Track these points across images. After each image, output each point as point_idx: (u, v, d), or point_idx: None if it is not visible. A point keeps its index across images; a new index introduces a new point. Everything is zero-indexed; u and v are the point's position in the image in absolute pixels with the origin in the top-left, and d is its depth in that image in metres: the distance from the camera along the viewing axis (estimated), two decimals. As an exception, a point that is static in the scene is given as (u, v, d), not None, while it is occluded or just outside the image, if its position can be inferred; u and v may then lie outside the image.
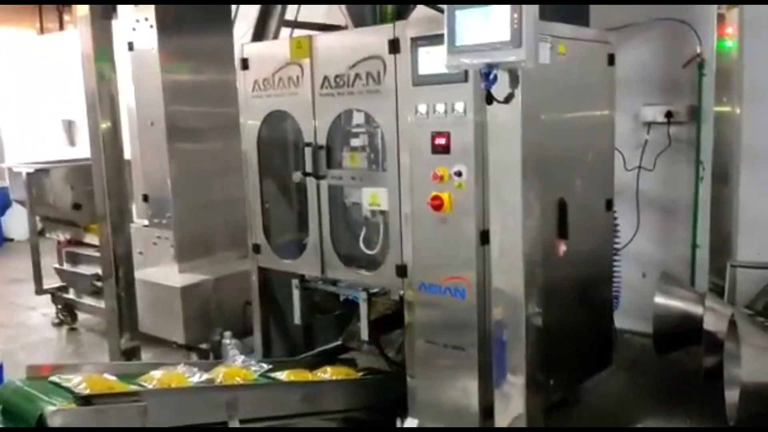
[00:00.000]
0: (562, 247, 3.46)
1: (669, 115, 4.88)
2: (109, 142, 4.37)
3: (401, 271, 3.50)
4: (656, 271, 4.58)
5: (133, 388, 3.10)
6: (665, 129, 4.91)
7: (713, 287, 4.50)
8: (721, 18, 4.42)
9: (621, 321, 4.67)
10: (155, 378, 3.25)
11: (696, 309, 4.10)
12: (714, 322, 3.87)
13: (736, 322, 3.55)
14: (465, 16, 2.45)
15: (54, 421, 2.63)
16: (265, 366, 3.68)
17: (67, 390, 2.92)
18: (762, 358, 3.41)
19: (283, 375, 3.64)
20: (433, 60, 3.15)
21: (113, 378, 3.20)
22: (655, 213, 5.10)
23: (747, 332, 3.51)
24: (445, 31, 2.50)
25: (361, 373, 3.91)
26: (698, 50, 4.73)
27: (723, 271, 4.41)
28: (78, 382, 2.98)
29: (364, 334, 3.78)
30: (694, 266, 4.95)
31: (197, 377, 3.35)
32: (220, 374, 3.48)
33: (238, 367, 3.66)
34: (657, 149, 4.95)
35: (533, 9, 2.34)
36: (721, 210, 4.57)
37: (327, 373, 3.79)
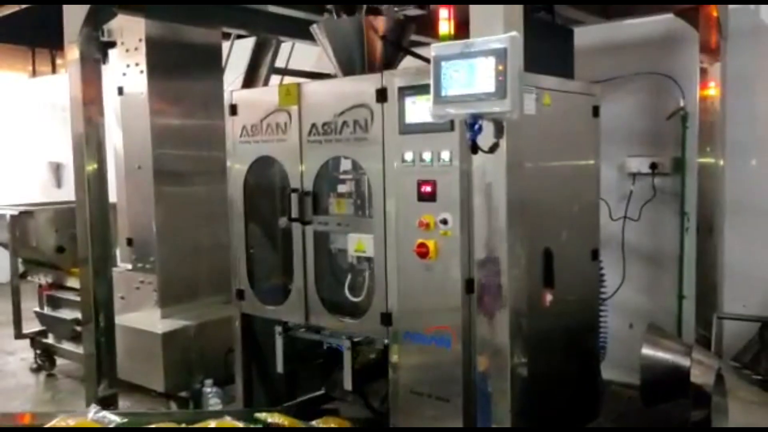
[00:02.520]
0: (548, 297, 3.45)
1: (654, 166, 4.93)
2: (94, 185, 4.34)
3: (386, 319, 3.47)
4: (643, 322, 4.54)
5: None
6: (650, 180, 4.96)
7: (700, 339, 4.48)
8: (703, 72, 4.51)
9: (608, 372, 4.61)
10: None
11: (683, 361, 4.06)
12: (701, 374, 3.82)
13: (723, 376, 3.52)
14: (451, 67, 2.48)
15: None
16: (117, 419, 3.45)
17: None
18: (750, 412, 3.37)
19: None
20: (419, 109, 3.19)
21: None
22: (642, 263, 5.10)
23: (734, 385, 3.47)
24: (431, 82, 2.53)
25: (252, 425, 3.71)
26: (681, 103, 4.81)
27: (709, 323, 4.39)
28: None
29: (348, 384, 3.71)
30: (680, 317, 4.94)
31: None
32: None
33: (90, 420, 3.44)
34: (642, 200, 4.98)
35: (518, 61, 2.37)
36: (706, 261, 4.57)
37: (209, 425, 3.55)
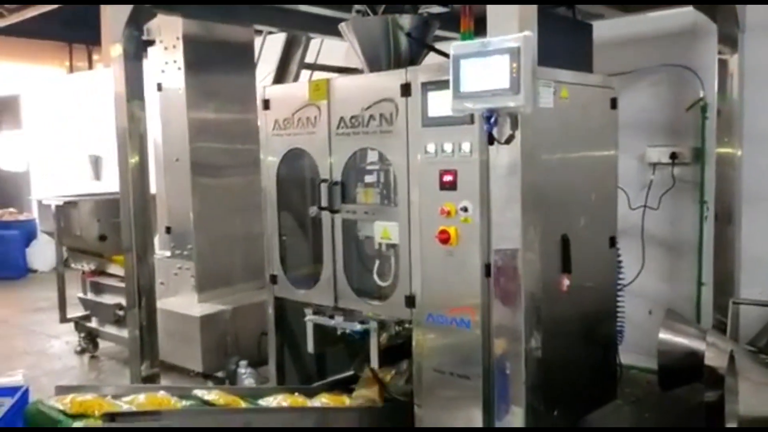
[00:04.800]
0: (566, 282, 3.58)
1: (673, 156, 5.04)
2: (136, 177, 4.54)
3: (410, 301, 3.65)
4: (663, 309, 4.66)
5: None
6: (670, 169, 5.06)
7: (717, 324, 4.59)
8: (722, 63, 4.60)
9: (629, 357, 4.74)
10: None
11: (700, 345, 4.17)
12: (715, 357, 3.95)
13: (735, 358, 3.65)
14: (469, 64, 2.67)
15: (80, 437, 2.80)
16: None
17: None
18: (760, 393, 3.50)
19: None
20: (441, 103, 3.32)
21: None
22: (661, 251, 5.21)
23: (745, 367, 3.60)
24: (450, 78, 2.71)
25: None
26: (701, 94, 4.90)
27: (726, 309, 4.50)
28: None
29: (374, 363, 3.92)
30: (699, 304, 5.05)
31: None
32: None
33: None
34: (662, 189, 5.09)
35: (531, 58, 2.54)
36: (724, 249, 4.67)
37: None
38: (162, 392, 3.59)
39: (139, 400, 3.39)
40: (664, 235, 5.19)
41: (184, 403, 3.48)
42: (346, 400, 3.95)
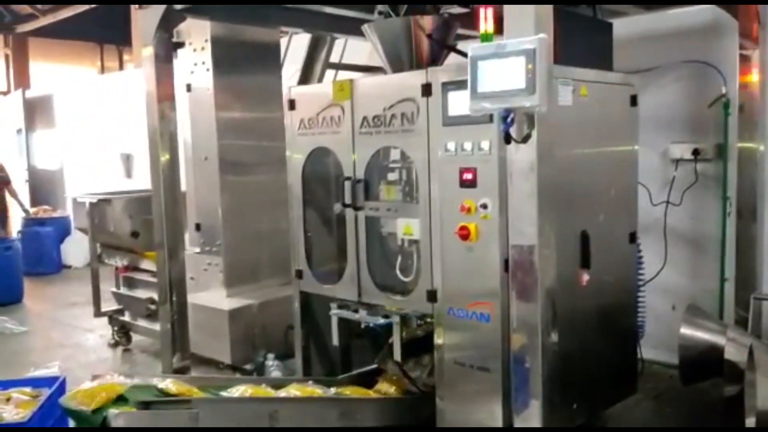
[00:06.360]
0: (585, 277, 3.65)
1: (696, 152, 5.03)
2: (167, 174, 4.69)
3: (431, 296, 3.74)
4: (686, 304, 4.66)
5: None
6: (692, 166, 5.06)
7: (739, 319, 4.61)
8: (744, 59, 4.61)
9: (652, 353, 4.77)
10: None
11: (720, 340, 4.21)
12: (735, 352, 3.99)
13: (754, 353, 3.68)
14: (486, 65, 2.75)
15: (117, 423, 2.95)
16: None
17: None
18: (779, 387, 3.52)
19: None
20: (460, 103, 3.39)
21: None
22: (684, 247, 5.21)
23: (764, 361, 3.63)
24: (468, 79, 2.80)
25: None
26: (723, 90, 4.90)
27: (748, 304, 4.52)
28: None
29: (397, 356, 4.02)
30: (722, 299, 5.03)
31: None
32: None
33: None
34: (684, 185, 5.09)
35: (546, 60, 2.62)
36: (746, 245, 4.69)
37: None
38: (122, 377, 3.65)
39: (89, 385, 3.39)
40: (686, 231, 5.19)
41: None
42: (317, 391, 4.00)
